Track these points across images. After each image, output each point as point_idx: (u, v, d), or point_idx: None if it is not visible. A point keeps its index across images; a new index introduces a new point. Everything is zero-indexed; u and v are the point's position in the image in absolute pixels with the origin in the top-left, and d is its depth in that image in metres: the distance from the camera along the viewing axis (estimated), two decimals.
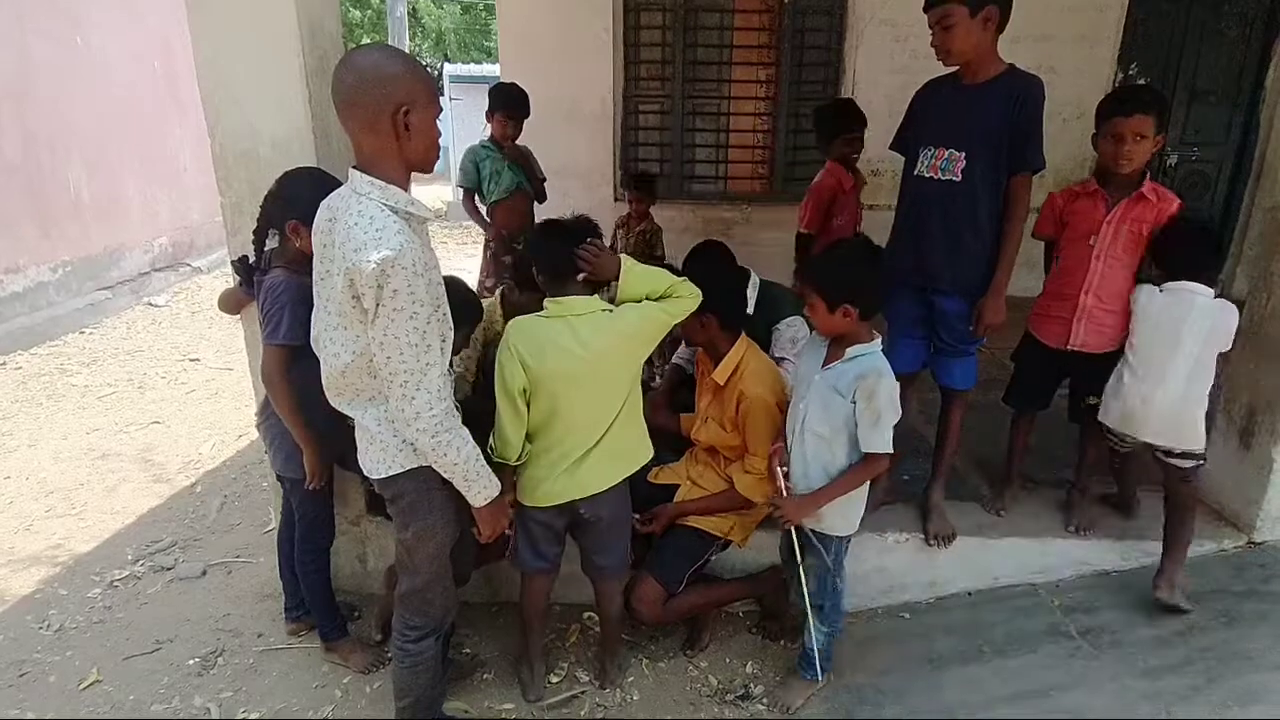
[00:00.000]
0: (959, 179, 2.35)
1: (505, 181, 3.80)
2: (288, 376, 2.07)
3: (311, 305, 1.82)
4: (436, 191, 12.92)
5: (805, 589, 2.15)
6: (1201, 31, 5.36)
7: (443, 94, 12.77)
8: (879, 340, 2.04)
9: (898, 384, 2.00)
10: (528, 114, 3.84)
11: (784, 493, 2.08)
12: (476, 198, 4.05)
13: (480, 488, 1.79)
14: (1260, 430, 2.64)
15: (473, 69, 13.05)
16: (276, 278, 2.07)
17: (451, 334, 1.78)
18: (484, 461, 1.79)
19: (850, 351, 2.00)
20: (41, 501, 3.50)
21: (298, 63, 2.16)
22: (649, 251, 4.22)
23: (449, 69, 12.92)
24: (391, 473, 1.77)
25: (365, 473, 1.82)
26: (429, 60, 19.50)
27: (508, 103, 3.73)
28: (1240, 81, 5.45)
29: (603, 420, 2.06)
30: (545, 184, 4.02)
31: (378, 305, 1.54)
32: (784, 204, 5.84)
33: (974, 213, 2.37)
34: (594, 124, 5.67)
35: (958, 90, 2.39)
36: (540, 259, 2.10)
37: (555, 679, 2.38)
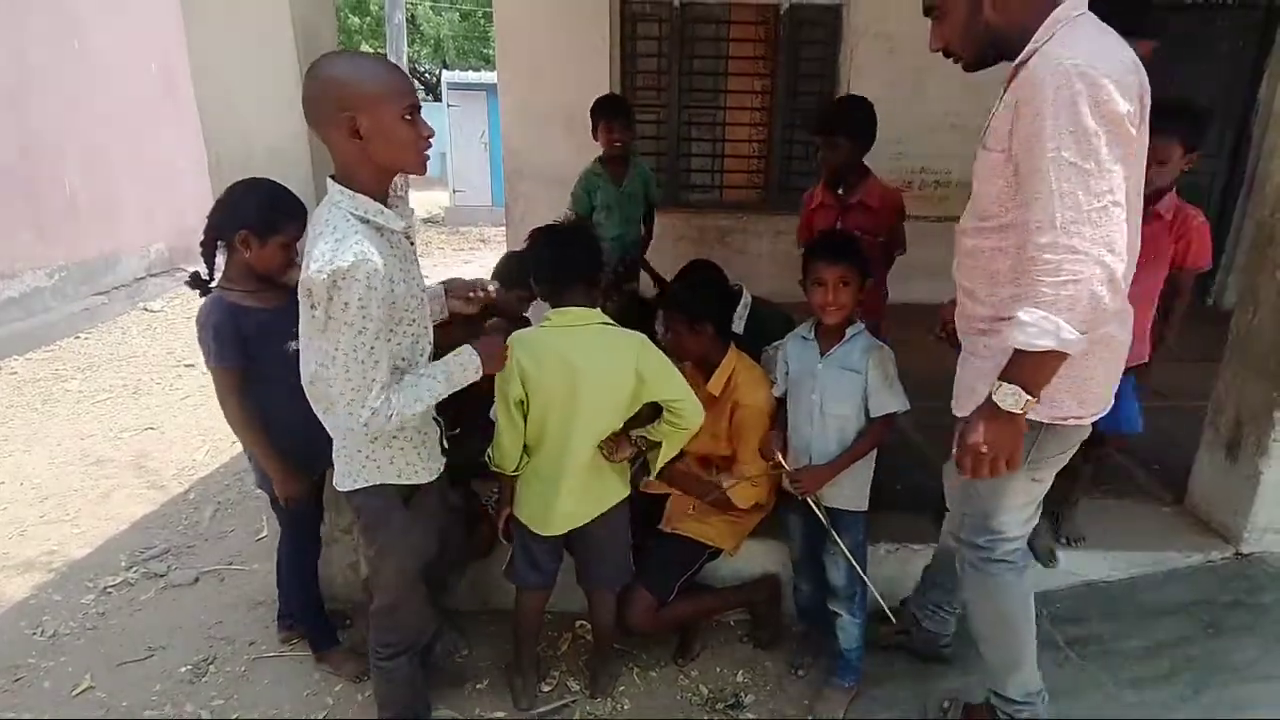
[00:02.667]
0: None
1: (616, 217, 3.69)
2: (240, 398, 2.04)
3: (237, 325, 1.92)
4: (434, 197, 12.94)
5: (834, 583, 2.25)
6: (1194, 46, 5.40)
7: (440, 101, 12.80)
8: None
9: None
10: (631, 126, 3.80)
11: (785, 466, 2.17)
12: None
13: (461, 379, 1.74)
14: (1246, 443, 2.66)
15: (471, 76, 13.04)
16: (206, 303, 2.03)
17: (429, 349, 1.78)
18: (444, 372, 1.71)
19: (849, 331, 2.17)
20: (36, 507, 3.50)
21: (293, 69, 2.17)
22: None
23: (447, 76, 12.92)
24: (354, 486, 1.77)
25: (334, 485, 1.81)
26: (426, 67, 19.54)
27: (614, 112, 3.66)
28: (1231, 96, 5.49)
29: (589, 442, 2.04)
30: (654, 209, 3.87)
31: (328, 317, 1.51)
32: (779, 213, 5.89)
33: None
34: (590, 132, 5.68)
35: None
36: (538, 268, 2.08)
37: (547, 688, 2.38)
